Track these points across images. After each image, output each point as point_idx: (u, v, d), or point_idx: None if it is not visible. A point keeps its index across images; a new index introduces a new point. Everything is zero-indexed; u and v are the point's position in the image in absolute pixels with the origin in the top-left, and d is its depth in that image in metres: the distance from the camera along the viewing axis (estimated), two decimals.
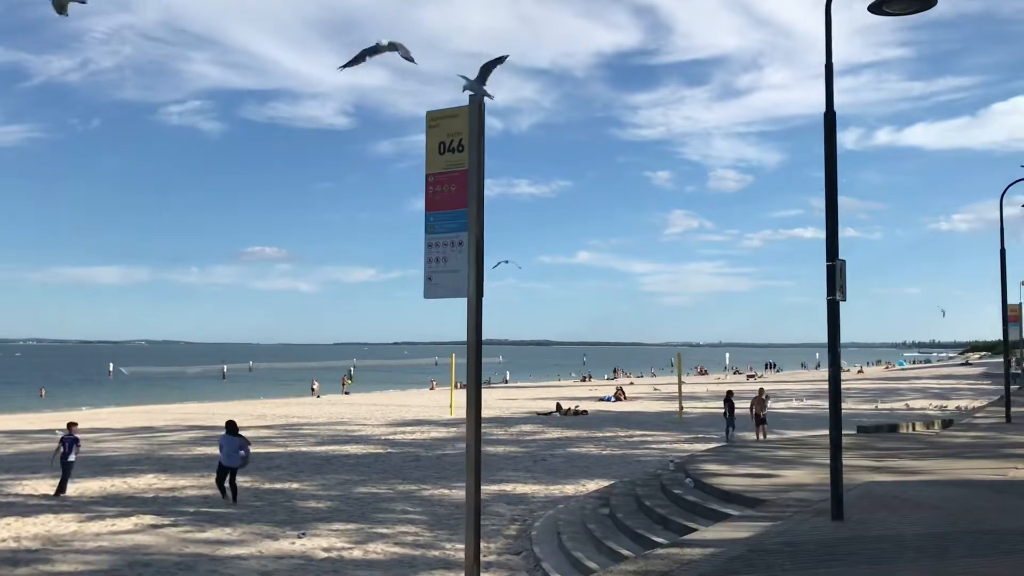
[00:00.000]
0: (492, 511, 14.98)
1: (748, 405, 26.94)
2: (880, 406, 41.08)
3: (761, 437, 24.23)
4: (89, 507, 15.67)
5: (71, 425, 17.92)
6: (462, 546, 12.61)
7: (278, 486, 17.99)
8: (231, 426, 16.71)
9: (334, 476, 19.64)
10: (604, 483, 18.01)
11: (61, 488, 16.93)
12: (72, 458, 17.14)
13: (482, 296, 7.73)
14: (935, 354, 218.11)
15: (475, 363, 7.69)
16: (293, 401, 55.99)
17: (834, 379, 9.80)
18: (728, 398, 27.58)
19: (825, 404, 42.22)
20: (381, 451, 24.77)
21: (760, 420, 25.13)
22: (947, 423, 25.91)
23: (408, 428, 32.04)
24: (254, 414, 42.44)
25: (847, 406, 41.92)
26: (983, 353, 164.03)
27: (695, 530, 9.94)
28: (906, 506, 10.57)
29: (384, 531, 13.49)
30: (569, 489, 17.42)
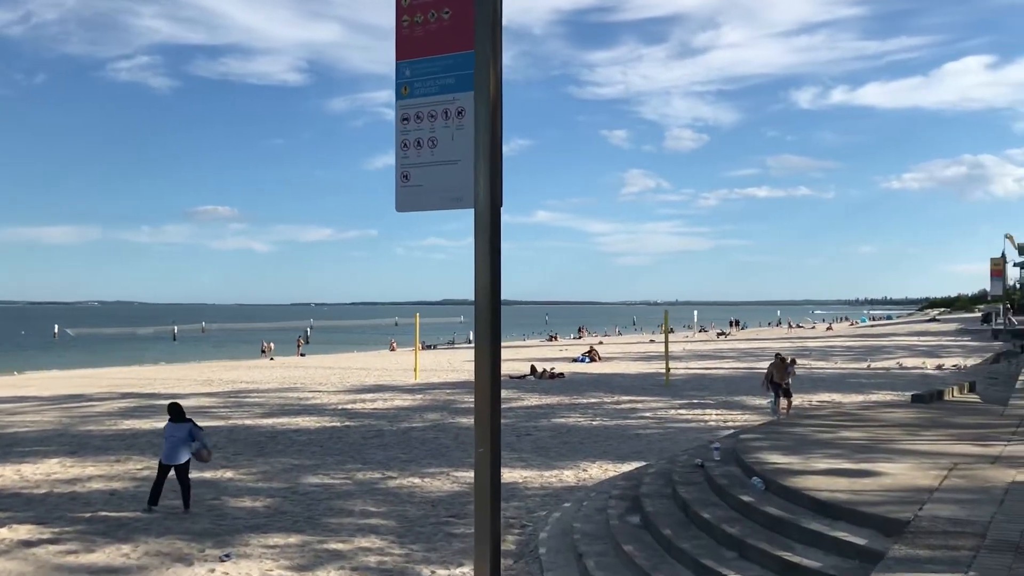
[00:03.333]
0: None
1: (765, 374, 22.17)
2: (872, 365, 38.53)
3: (786, 413, 20.14)
4: None
5: None
6: (445, 571, 9.35)
7: (207, 475, 14.52)
8: (175, 410, 12.39)
9: (279, 460, 16.22)
10: (610, 467, 14.82)
11: None
12: None
13: (500, 205, 4.36)
14: (894, 311, 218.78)
15: (490, 317, 4.34)
16: (244, 364, 52.18)
17: None
18: (783, 364, 21.27)
19: (820, 364, 39.96)
20: (338, 424, 21.36)
21: (784, 392, 20.84)
22: (971, 386, 23.18)
23: (368, 396, 28.62)
24: (200, 379, 38.79)
25: (838, 365, 39.57)
26: (941, 309, 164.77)
27: (796, 565, 6.79)
28: None
29: (338, 546, 10.13)
30: (569, 476, 14.19)
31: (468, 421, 21.17)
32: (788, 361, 21.62)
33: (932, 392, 18.60)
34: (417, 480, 14.05)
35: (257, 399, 28.34)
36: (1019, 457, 10.47)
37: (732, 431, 18.16)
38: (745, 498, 8.89)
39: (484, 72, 4.33)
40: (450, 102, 4.56)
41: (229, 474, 14.83)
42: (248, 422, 22.08)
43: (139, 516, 11.67)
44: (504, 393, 28.52)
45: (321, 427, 20.84)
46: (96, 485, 13.92)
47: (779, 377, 20.96)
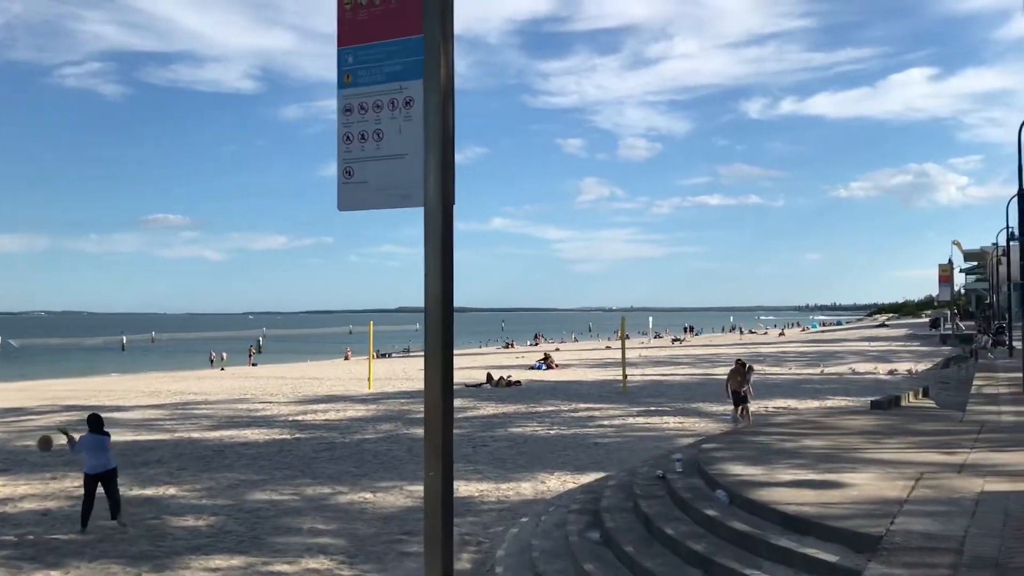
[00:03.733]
0: None
1: (725, 380, 21.55)
2: (825, 370, 38.77)
3: (743, 423, 19.50)
4: None
5: None
6: None
7: (149, 492, 13.89)
8: (96, 422, 11.75)
9: (225, 475, 15.59)
10: (568, 479, 14.45)
11: None
12: None
13: (452, 204, 3.96)
14: (843, 317, 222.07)
15: (442, 325, 3.93)
16: (194, 374, 51.02)
17: None
18: (741, 370, 20.68)
19: (775, 370, 40.03)
20: (288, 436, 20.73)
21: (740, 399, 20.17)
22: (925, 391, 23.28)
23: (321, 406, 27.96)
24: (147, 390, 37.76)
25: (792, 371, 39.71)
26: (889, 315, 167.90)
27: None
28: None
29: (284, 568, 9.61)
30: (527, 489, 13.79)
31: (422, 432, 20.65)
32: (747, 368, 20.89)
33: (890, 398, 18.57)
34: (369, 495, 13.54)
35: (205, 411, 27.54)
36: (984, 465, 10.31)
37: (692, 440, 17.93)
38: (710, 512, 8.56)
39: (434, 58, 3.92)
40: (397, 91, 4.15)
41: (172, 491, 14.20)
42: (195, 435, 21.35)
43: (73, 539, 11.02)
44: (460, 402, 28.12)
45: (270, 440, 20.20)
46: (28, 505, 13.21)
47: (736, 384, 20.38)
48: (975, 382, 21.71)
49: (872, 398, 23.60)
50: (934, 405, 19.21)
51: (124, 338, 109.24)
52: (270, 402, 30.10)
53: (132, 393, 36.07)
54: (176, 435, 21.37)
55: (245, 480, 15.03)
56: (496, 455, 17.36)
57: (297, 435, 20.95)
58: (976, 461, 10.71)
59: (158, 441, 20.11)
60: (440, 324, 3.92)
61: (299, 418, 24.71)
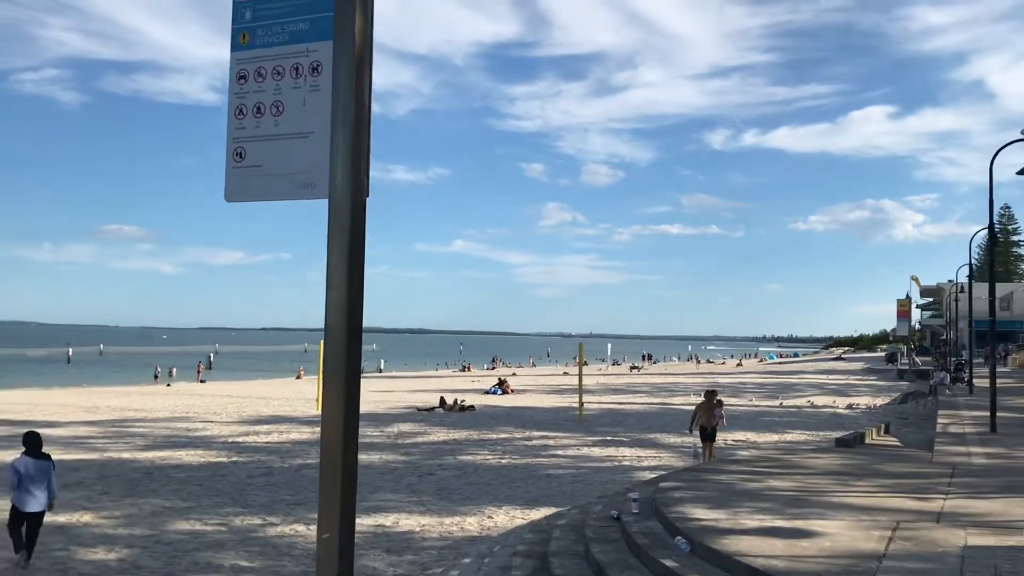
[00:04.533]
0: (365, 567, 10.32)
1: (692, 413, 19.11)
2: (784, 403, 38.34)
3: (708, 460, 17.64)
4: None
5: None
6: None
7: (62, 519, 12.75)
8: (33, 442, 10.12)
9: (149, 500, 14.49)
10: (517, 513, 13.56)
11: None
12: None
13: (365, 195, 3.13)
14: (800, 349, 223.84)
15: (346, 342, 3.04)
16: (137, 390, 49.36)
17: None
18: (711, 402, 18.61)
19: (733, 401, 39.39)
20: (224, 459, 19.61)
21: (708, 436, 18.06)
22: (887, 427, 22.80)
23: (264, 427, 26.80)
24: (85, 405, 36.28)
25: (751, 402, 39.22)
26: (845, 348, 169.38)
27: None
28: None
29: None
30: (472, 524, 12.88)
31: (367, 458, 19.73)
32: (716, 400, 18.75)
33: (855, 435, 17.96)
34: (301, 527, 12.55)
35: (141, 429, 26.27)
36: (963, 514, 9.63)
37: (650, 473, 17.19)
38: (668, 563, 7.75)
39: (347, 15, 3.09)
40: (302, 54, 3.32)
41: (87, 517, 13.08)
42: (126, 455, 20.17)
43: None
44: (410, 427, 27.15)
45: (205, 462, 19.08)
46: None
47: (705, 419, 18.22)
48: (939, 420, 21.21)
49: (833, 433, 23.08)
50: (898, 443, 18.65)
51: (70, 350, 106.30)
52: (212, 421, 28.87)
53: (69, 408, 34.56)
54: (106, 455, 20.16)
55: (170, 507, 13.94)
56: (443, 485, 16.43)
57: (234, 458, 19.85)
58: (954, 509, 10.02)
59: (85, 461, 18.90)
60: (344, 344, 3.03)
61: (239, 439, 23.57)
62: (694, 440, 19.12)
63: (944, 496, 10.91)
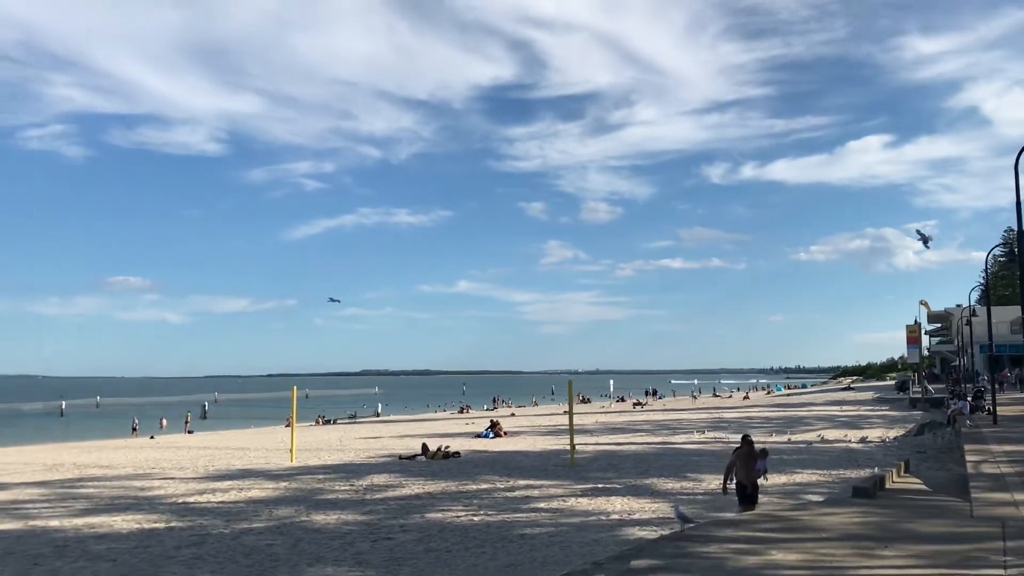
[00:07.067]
0: None
1: (727, 467, 15.73)
2: (792, 438, 35.95)
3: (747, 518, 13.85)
4: None
5: None
6: None
7: None
8: None
9: None
10: None
11: None
12: None
13: None
14: (808, 380, 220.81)
15: None
16: (112, 444, 47.23)
17: None
18: (751, 452, 15.40)
19: (731, 437, 37.12)
20: (161, 525, 17.41)
21: (746, 496, 15.04)
22: (907, 466, 20.53)
23: (226, 483, 24.57)
24: (50, 463, 34.22)
25: (758, 438, 36.88)
26: (854, 378, 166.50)
27: None
28: None
29: None
30: None
31: (323, 519, 17.55)
32: (759, 451, 15.44)
33: (874, 480, 15.58)
34: None
35: (91, 489, 24.09)
36: None
37: (639, 533, 14.96)
38: None
39: None
40: None
41: None
42: (53, 523, 18.00)
43: None
44: (384, 479, 24.83)
45: (136, 530, 16.87)
46: None
47: (743, 473, 14.97)
48: (968, 457, 18.82)
49: (846, 472, 20.83)
50: (923, 486, 16.34)
51: (63, 403, 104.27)
52: (172, 478, 26.67)
53: (30, 467, 32.43)
54: (31, 523, 18.01)
55: None
56: (396, 553, 14.18)
57: (173, 523, 17.64)
58: None
59: (2, 532, 16.77)
60: None
61: (191, 499, 21.36)
62: (682, 512, 14.35)
63: (1003, 570, 8.59)
